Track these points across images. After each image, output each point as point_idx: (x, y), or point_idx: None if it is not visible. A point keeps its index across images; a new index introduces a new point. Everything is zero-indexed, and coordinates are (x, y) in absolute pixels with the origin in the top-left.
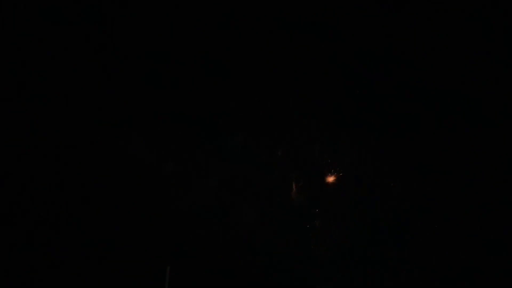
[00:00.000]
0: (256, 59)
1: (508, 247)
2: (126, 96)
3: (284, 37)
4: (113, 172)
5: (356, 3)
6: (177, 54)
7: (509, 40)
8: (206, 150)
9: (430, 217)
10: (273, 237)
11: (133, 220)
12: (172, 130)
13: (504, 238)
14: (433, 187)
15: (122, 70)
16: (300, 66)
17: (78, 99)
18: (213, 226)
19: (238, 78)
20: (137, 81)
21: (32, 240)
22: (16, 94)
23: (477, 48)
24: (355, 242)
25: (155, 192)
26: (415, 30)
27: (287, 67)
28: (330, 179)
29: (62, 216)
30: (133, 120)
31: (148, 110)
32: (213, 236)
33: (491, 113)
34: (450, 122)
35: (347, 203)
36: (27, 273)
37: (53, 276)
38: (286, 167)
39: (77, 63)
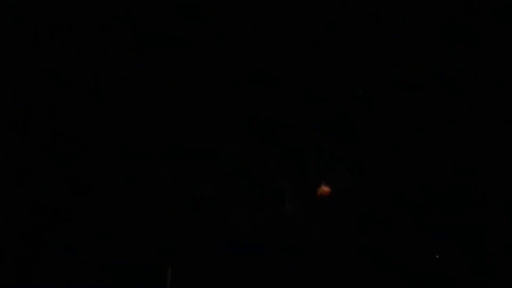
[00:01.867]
0: (251, 65)
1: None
2: (121, 99)
3: (279, 43)
4: (110, 177)
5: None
6: (175, 58)
7: None
8: (202, 157)
9: (428, 228)
10: (268, 242)
11: (133, 224)
12: (167, 135)
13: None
14: (433, 200)
15: (119, 73)
16: (296, 74)
17: (77, 101)
18: (211, 230)
19: (235, 84)
20: (131, 84)
21: (32, 240)
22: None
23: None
24: (349, 249)
25: (153, 197)
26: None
27: (283, 73)
28: (325, 188)
29: (62, 218)
30: (129, 124)
31: (143, 114)
32: (211, 240)
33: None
34: (452, 125)
35: (341, 212)
36: (26, 273)
37: (53, 277)
38: (281, 175)
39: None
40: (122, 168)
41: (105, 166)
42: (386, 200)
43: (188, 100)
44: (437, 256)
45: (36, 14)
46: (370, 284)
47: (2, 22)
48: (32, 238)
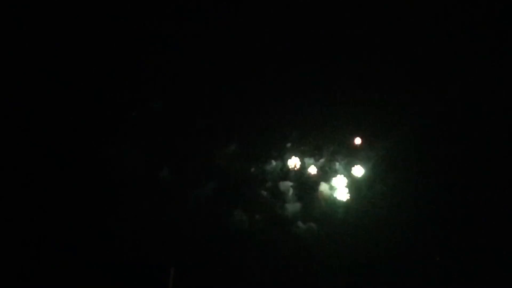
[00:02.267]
0: (250, 70)
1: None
2: (122, 106)
3: (279, 47)
4: (120, 183)
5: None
6: (176, 63)
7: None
8: (201, 160)
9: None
10: (266, 242)
11: (139, 227)
12: (168, 140)
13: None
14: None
15: (119, 75)
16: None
17: (74, 104)
18: (211, 231)
19: (234, 89)
20: (133, 90)
21: (47, 244)
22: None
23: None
24: (349, 250)
25: (155, 200)
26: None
27: (281, 80)
28: (323, 189)
29: (73, 224)
30: (130, 130)
31: (145, 120)
32: (211, 240)
33: None
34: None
35: (337, 212)
36: (41, 275)
37: (63, 278)
38: (278, 176)
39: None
40: (125, 172)
41: (108, 169)
42: (385, 202)
43: (188, 101)
44: (438, 258)
45: (35, 14)
46: (371, 284)
47: (2, 22)
48: (36, 238)
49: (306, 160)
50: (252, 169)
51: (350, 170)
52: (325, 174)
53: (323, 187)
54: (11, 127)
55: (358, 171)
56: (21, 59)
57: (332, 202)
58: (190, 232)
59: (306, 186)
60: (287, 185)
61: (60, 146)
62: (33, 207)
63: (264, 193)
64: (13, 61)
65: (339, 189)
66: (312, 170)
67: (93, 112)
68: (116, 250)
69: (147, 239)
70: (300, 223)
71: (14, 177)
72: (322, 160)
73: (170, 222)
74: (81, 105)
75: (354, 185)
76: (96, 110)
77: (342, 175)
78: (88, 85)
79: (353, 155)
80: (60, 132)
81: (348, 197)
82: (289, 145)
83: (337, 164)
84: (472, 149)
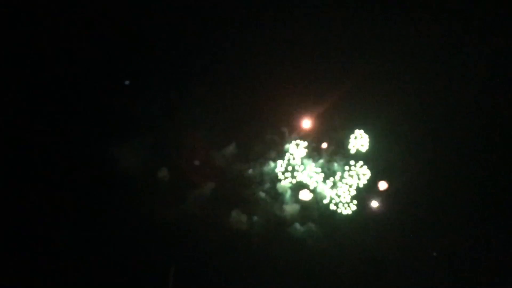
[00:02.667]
0: (248, 71)
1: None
2: (122, 109)
3: (279, 47)
4: (124, 183)
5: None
6: (175, 65)
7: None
8: (200, 160)
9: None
10: (264, 243)
11: (139, 227)
12: (167, 136)
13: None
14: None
15: (120, 76)
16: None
17: (73, 103)
18: (211, 230)
19: (233, 90)
20: (133, 93)
21: (48, 243)
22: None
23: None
24: (349, 250)
25: (155, 200)
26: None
27: (279, 82)
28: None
29: (74, 223)
30: (129, 125)
31: (144, 122)
32: (211, 240)
33: None
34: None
35: (340, 213)
36: (42, 274)
37: (64, 276)
38: (276, 178)
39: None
40: (125, 171)
41: (109, 169)
42: (382, 202)
43: (187, 101)
44: (434, 254)
45: (33, 15)
46: (370, 284)
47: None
48: (38, 238)
49: (305, 161)
50: (250, 170)
51: (349, 171)
52: (324, 175)
53: (321, 187)
54: (10, 126)
55: (358, 171)
56: (22, 58)
57: (330, 203)
58: (190, 232)
59: (304, 187)
60: (285, 186)
61: (60, 146)
62: (35, 207)
63: (262, 194)
64: (14, 61)
65: (338, 189)
66: (311, 170)
67: (93, 112)
68: (117, 250)
69: (147, 238)
70: (297, 225)
71: (14, 177)
72: (321, 161)
73: (170, 222)
74: (81, 105)
75: (354, 186)
76: (96, 110)
77: (341, 175)
78: (88, 84)
79: (353, 155)
80: (59, 132)
81: (347, 198)
82: (287, 146)
83: (335, 164)
84: (476, 149)
